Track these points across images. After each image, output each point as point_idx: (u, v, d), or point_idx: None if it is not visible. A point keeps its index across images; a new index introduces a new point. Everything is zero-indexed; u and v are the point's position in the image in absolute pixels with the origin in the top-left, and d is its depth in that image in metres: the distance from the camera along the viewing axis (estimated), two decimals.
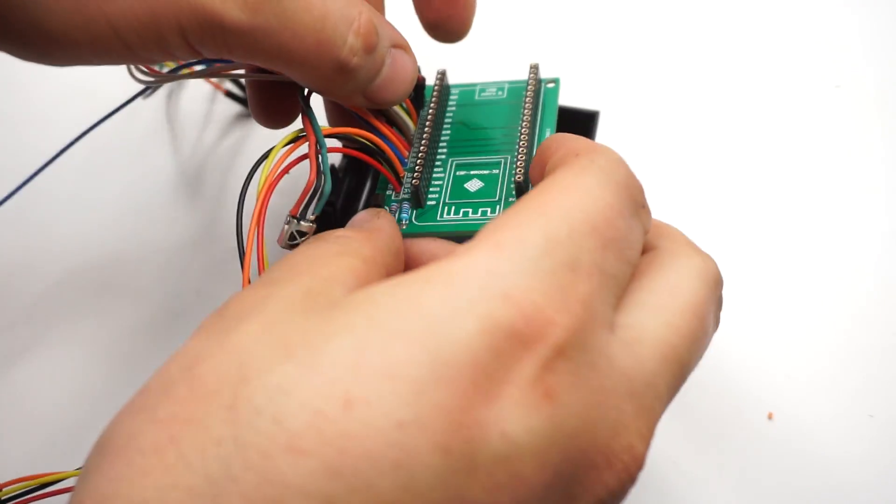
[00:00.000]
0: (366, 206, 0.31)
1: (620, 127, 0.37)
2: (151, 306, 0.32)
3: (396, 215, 0.27)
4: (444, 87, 0.31)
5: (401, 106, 0.29)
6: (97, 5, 0.20)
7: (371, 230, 0.22)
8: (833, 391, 0.30)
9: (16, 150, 0.39)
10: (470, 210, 0.27)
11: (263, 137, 0.38)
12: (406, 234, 0.26)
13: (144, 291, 0.33)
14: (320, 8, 0.22)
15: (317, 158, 0.24)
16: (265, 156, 0.23)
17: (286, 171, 0.23)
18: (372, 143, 0.27)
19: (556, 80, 0.31)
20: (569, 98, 0.33)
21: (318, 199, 0.24)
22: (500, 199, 0.27)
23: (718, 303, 0.21)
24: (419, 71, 0.27)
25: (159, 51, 0.21)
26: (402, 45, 0.25)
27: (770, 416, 0.30)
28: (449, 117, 0.31)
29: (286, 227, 0.24)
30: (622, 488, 0.17)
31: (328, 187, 0.23)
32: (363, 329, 0.15)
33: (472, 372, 0.15)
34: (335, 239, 0.21)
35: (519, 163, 0.27)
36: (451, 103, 0.32)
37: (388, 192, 0.28)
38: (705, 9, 0.42)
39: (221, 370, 0.15)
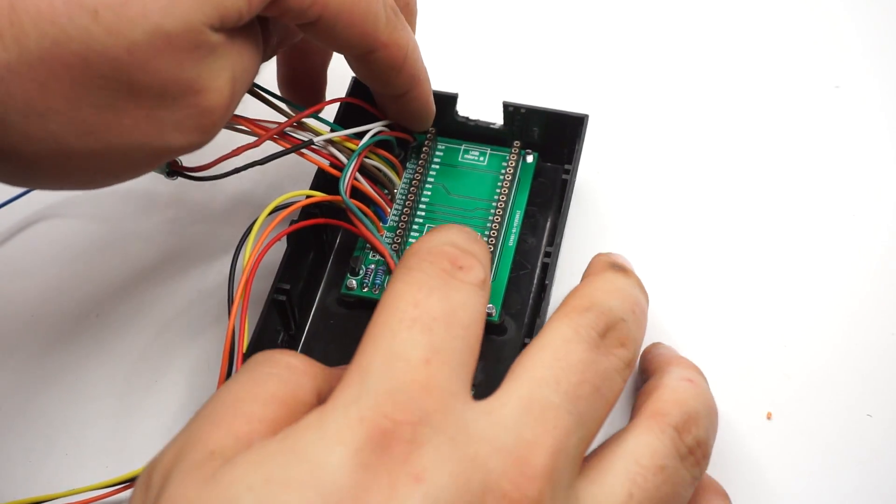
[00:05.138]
0: (327, 288, 0.32)
1: (610, 130, 0.38)
2: (149, 306, 0.34)
3: (371, 278, 0.31)
4: (432, 147, 0.34)
5: (386, 162, 0.31)
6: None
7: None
8: (832, 391, 0.31)
9: None
10: None
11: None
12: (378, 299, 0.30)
13: (143, 290, 0.34)
14: None
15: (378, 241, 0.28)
16: (250, 228, 0.27)
17: (265, 251, 0.27)
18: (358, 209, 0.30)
19: (535, 155, 0.34)
20: (558, 101, 0.34)
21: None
22: None
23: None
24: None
25: None
26: None
27: (769, 416, 0.30)
28: (432, 176, 0.33)
29: None
30: None
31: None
32: (259, 486, 0.18)
33: (354, 492, 0.18)
34: (277, 369, 0.22)
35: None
36: (435, 158, 0.34)
37: (367, 251, 0.32)
38: (702, 9, 0.42)
39: None
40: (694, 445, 0.23)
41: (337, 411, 0.19)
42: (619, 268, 0.26)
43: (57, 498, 0.27)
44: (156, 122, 0.22)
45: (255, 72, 0.25)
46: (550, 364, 0.22)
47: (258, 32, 0.24)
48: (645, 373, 0.29)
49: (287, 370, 0.22)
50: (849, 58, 0.40)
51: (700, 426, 0.24)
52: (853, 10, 0.41)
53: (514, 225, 0.32)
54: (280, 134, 0.29)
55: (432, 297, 0.21)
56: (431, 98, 0.31)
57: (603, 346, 0.23)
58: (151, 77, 0.21)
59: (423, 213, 0.32)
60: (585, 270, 0.28)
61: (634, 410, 0.24)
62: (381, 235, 0.31)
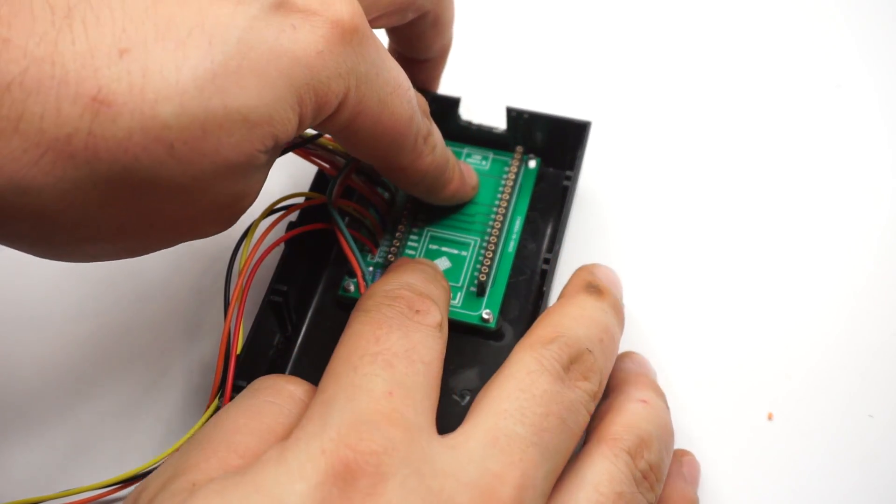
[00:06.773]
0: (325, 290, 0.32)
1: (612, 133, 0.38)
2: (149, 307, 0.34)
3: (368, 280, 0.30)
4: None
5: None
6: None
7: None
8: (833, 391, 0.31)
9: None
10: None
11: None
12: None
13: (142, 290, 0.34)
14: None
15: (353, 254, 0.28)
16: (246, 233, 0.28)
17: (263, 257, 0.27)
18: (356, 211, 0.30)
19: (537, 161, 0.34)
20: (561, 106, 0.34)
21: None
22: (462, 285, 0.30)
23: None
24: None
25: None
26: None
27: (770, 417, 0.30)
28: None
29: None
30: None
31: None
32: None
33: None
34: (279, 399, 0.22)
35: (486, 260, 0.30)
36: None
37: (366, 253, 0.31)
38: (702, 8, 0.42)
39: None
40: (647, 470, 0.24)
41: (299, 444, 0.19)
42: (594, 289, 0.26)
43: (57, 498, 0.27)
44: (194, 222, 0.23)
45: None
46: (515, 396, 0.22)
47: None
48: (606, 389, 0.28)
49: (289, 401, 0.22)
50: (849, 57, 0.40)
51: (652, 450, 0.24)
52: (853, 10, 0.41)
53: (515, 230, 0.32)
54: None
55: (392, 334, 0.22)
56: (461, 196, 0.31)
57: (567, 379, 0.23)
58: (206, 197, 0.21)
59: (423, 217, 0.32)
60: (563, 288, 0.28)
61: (589, 433, 0.24)
62: (380, 239, 0.31)
